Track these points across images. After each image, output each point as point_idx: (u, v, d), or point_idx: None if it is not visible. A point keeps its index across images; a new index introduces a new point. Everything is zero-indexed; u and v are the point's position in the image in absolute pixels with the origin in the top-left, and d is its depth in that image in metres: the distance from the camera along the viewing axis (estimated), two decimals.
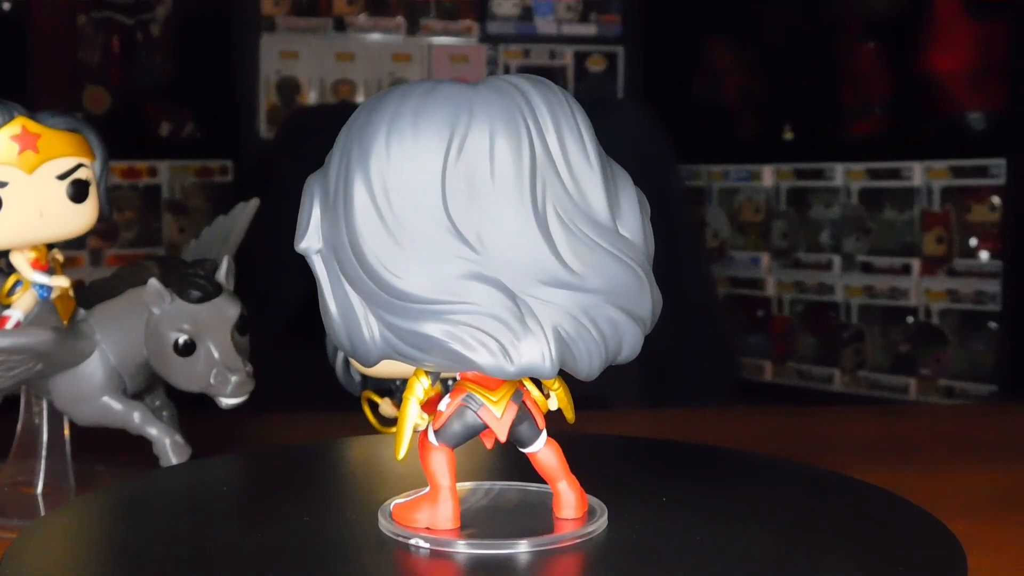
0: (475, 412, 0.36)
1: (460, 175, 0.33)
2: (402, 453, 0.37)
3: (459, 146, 0.33)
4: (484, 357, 0.33)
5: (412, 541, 0.36)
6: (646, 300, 0.35)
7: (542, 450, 0.37)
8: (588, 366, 0.34)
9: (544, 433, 0.37)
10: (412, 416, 0.37)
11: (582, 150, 0.34)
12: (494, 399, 0.36)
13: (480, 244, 0.33)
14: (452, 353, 0.33)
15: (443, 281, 0.33)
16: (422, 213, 0.33)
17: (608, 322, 0.34)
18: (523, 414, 0.37)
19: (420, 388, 0.37)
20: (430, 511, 0.37)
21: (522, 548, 0.36)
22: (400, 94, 0.34)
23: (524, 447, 0.37)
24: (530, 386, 0.37)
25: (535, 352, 0.33)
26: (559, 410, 0.38)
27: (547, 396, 0.37)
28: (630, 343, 0.35)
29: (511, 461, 0.43)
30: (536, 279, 0.33)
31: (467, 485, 0.42)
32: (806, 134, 2.10)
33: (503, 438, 0.37)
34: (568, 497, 0.38)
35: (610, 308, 0.34)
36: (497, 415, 0.36)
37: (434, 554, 0.36)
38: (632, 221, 0.35)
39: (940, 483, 0.62)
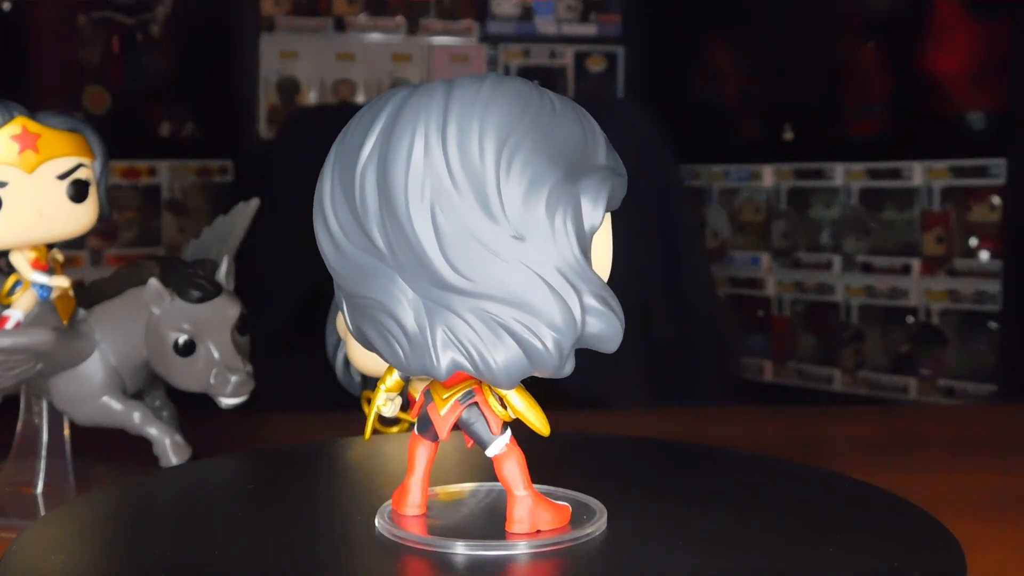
0: (426, 407, 0.37)
1: (369, 177, 0.34)
2: (367, 435, 0.41)
3: (369, 149, 0.34)
4: (390, 354, 0.34)
5: (376, 519, 0.38)
6: (553, 310, 0.33)
7: (498, 457, 0.37)
8: (491, 374, 0.33)
9: (499, 439, 0.36)
10: (379, 402, 0.39)
11: (479, 154, 0.33)
12: (443, 397, 0.37)
13: (384, 244, 0.34)
14: (372, 348, 0.35)
15: (361, 277, 0.34)
16: (347, 212, 0.34)
17: (506, 330, 0.33)
18: (474, 416, 0.36)
19: (390, 379, 0.39)
20: (400, 495, 0.39)
21: (520, 549, 0.36)
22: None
23: (484, 450, 0.37)
24: (488, 390, 0.37)
25: (424, 354, 0.34)
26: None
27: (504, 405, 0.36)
28: (548, 355, 0.33)
29: None
30: (429, 281, 0.33)
31: (468, 486, 0.42)
32: (806, 134, 2.10)
33: (442, 436, 0.37)
34: (517, 511, 0.37)
35: (506, 317, 0.33)
36: (440, 413, 0.37)
37: (430, 554, 0.36)
38: (541, 229, 0.33)
39: (940, 483, 0.62)
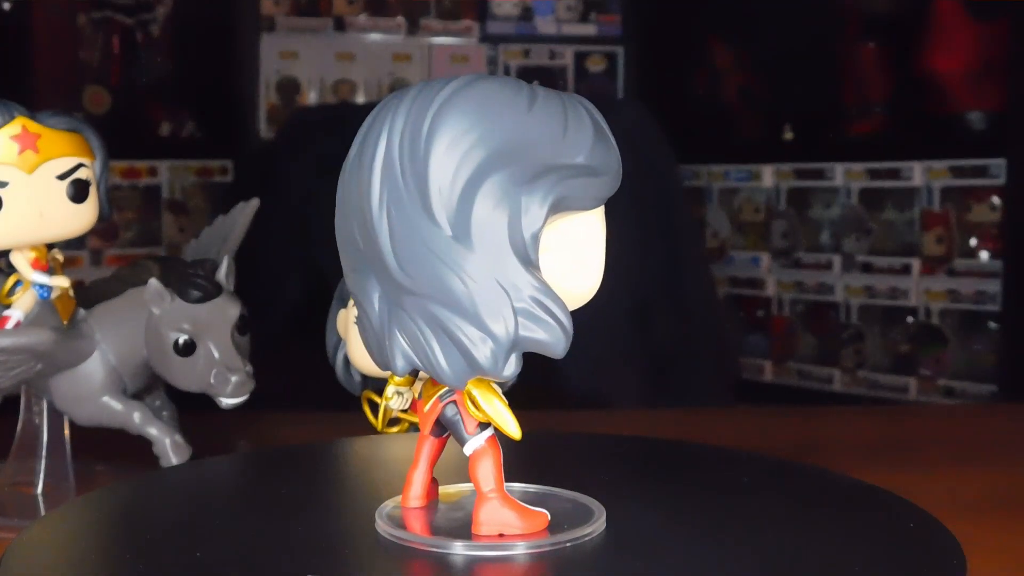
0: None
1: (352, 177, 0.35)
2: (380, 426, 0.47)
3: (355, 151, 0.35)
4: (367, 348, 0.36)
5: (375, 519, 0.38)
6: (485, 314, 0.33)
7: (471, 456, 0.37)
8: (437, 374, 0.34)
9: (473, 439, 0.36)
10: (388, 393, 0.41)
11: (424, 154, 0.33)
12: (431, 393, 0.37)
13: (362, 242, 0.34)
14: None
15: (352, 273, 0.35)
16: (346, 211, 0.35)
17: (445, 332, 0.33)
18: (452, 414, 0.37)
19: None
20: (404, 488, 0.39)
21: (519, 550, 0.36)
22: None
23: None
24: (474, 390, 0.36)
25: (384, 350, 0.34)
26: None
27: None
28: (483, 359, 0.33)
29: (511, 462, 0.43)
30: (388, 280, 0.34)
31: (469, 486, 0.42)
32: (806, 134, 2.10)
33: (423, 431, 0.38)
34: (481, 513, 0.36)
35: (445, 319, 0.33)
36: (424, 409, 0.38)
37: (429, 554, 0.36)
38: (476, 231, 0.33)
39: (940, 483, 0.62)
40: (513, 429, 0.36)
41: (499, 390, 0.36)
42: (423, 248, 0.33)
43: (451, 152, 0.33)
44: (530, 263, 0.33)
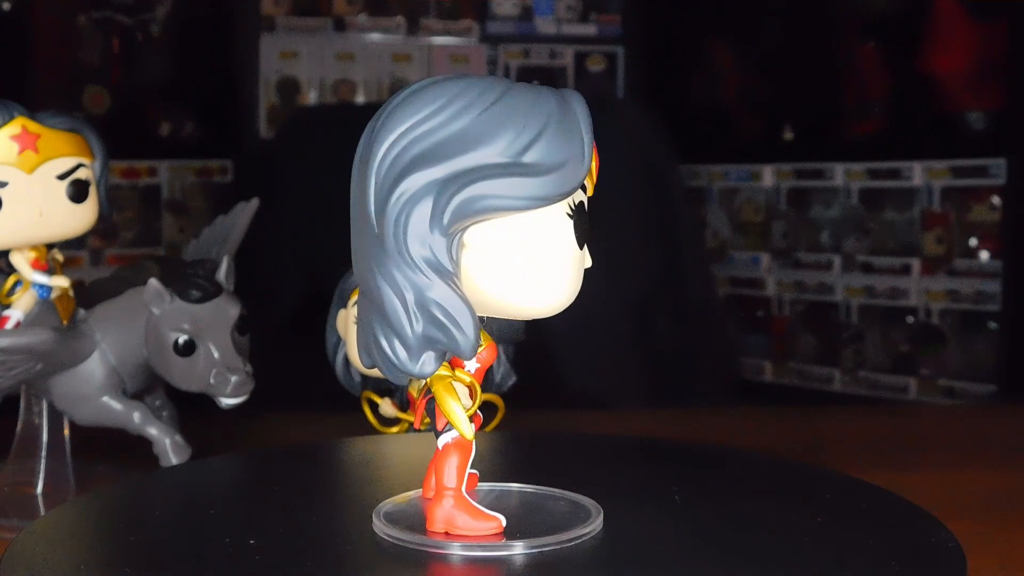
0: None
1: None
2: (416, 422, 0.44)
3: None
4: None
5: (372, 520, 0.38)
6: (389, 313, 0.33)
7: (439, 451, 0.37)
8: (383, 371, 0.34)
9: (443, 435, 0.36)
10: (413, 387, 0.42)
11: (369, 155, 0.33)
12: (423, 388, 0.37)
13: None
14: None
15: None
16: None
17: (371, 329, 0.34)
18: (431, 410, 0.37)
19: None
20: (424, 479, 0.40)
21: (517, 550, 0.36)
22: None
23: None
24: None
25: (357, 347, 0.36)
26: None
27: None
28: (394, 357, 0.33)
29: (510, 462, 0.43)
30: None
31: (487, 486, 0.42)
32: (806, 134, 2.10)
33: (415, 424, 0.39)
34: (433, 510, 0.37)
35: (370, 315, 0.34)
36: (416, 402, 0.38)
37: (428, 556, 0.36)
38: (388, 232, 0.33)
39: (940, 483, 0.62)
40: (466, 429, 0.36)
41: (464, 392, 0.36)
42: (361, 246, 0.34)
43: (389, 151, 0.33)
44: (437, 265, 0.33)
